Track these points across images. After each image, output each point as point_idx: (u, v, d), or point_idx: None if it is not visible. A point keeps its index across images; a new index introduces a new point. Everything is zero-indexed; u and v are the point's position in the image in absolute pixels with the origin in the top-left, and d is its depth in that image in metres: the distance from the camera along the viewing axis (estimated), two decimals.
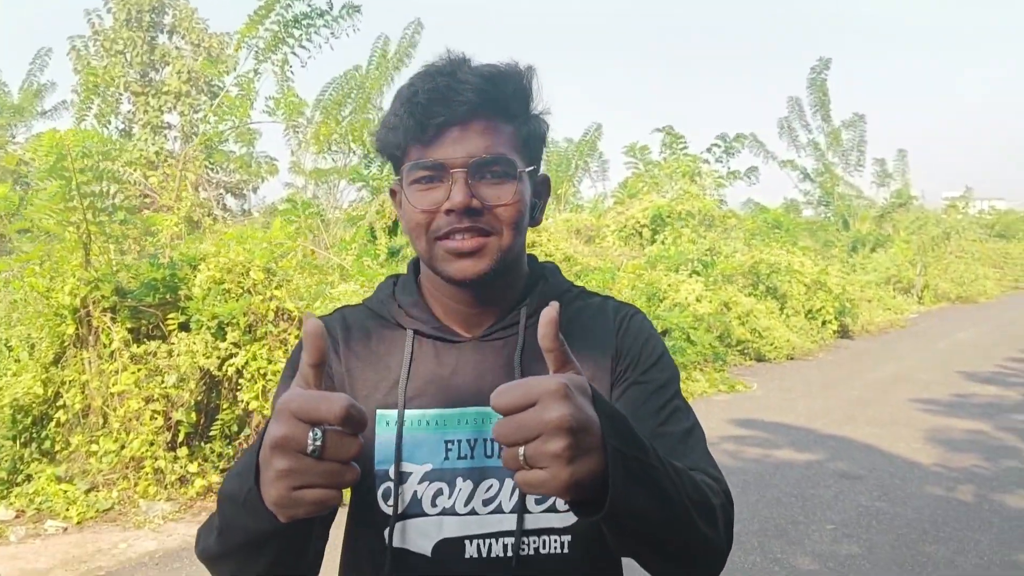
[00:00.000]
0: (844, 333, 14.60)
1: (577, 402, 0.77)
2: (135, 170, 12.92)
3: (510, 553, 1.08)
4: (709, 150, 17.19)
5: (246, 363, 5.71)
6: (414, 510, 1.09)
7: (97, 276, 5.72)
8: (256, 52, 10.59)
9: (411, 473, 1.10)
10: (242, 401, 5.73)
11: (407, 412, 1.11)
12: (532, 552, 1.09)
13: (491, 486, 1.10)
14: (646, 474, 0.84)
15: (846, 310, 14.52)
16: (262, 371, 5.70)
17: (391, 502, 1.09)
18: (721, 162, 17.30)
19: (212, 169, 14.98)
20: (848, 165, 27.02)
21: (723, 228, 15.33)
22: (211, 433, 5.92)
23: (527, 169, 1.11)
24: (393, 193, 1.19)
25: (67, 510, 5.36)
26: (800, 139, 27.01)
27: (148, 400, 5.71)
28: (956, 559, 4.64)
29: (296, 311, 5.75)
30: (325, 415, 0.74)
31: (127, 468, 5.69)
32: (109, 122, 15.68)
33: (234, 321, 5.69)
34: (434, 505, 1.09)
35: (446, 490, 1.09)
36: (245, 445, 6.01)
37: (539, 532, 1.09)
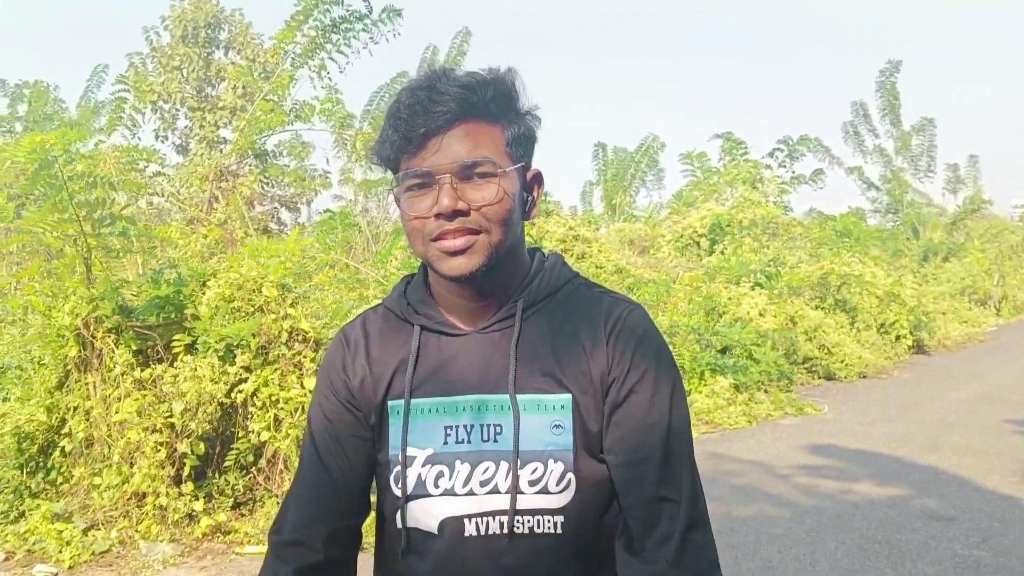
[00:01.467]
0: (920, 349, 13.61)
1: None
2: (191, 185, 12.64)
3: (506, 530, 1.16)
4: (771, 154, 16.32)
5: (257, 389, 5.16)
6: (419, 491, 1.19)
7: (98, 294, 5.23)
8: (293, 59, 10.17)
9: (415, 457, 1.19)
10: (253, 432, 5.18)
11: (412, 401, 1.20)
12: (527, 531, 1.16)
13: (487, 468, 1.17)
14: None
15: (922, 324, 13.53)
16: (274, 398, 5.14)
17: (401, 485, 1.19)
18: (784, 167, 16.41)
19: (267, 183, 14.69)
20: (918, 171, 25.86)
21: (787, 237, 14.46)
22: (224, 465, 5.39)
23: (514, 167, 1.18)
24: (398, 200, 1.23)
25: (60, 552, 4.85)
26: (866, 144, 25.92)
27: (152, 430, 5.20)
28: None
29: (311, 331, 5.18)
30: None
31: (128, 504, 5.19)
32: (166, 137, 15.53)
33: (244, 343, 5.15)
34: (436, 486, 1.18)
35: (447, 472, 1.18)
36: (259, 478, 5.47)
37: (533, 512, 1.16)
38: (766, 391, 9.41)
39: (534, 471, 1.16)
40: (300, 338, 5.24)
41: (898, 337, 13.00)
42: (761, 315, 10.58)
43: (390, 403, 1.24)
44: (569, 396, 1.17)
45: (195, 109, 15.97)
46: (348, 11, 9.88)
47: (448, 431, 1.19)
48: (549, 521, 1.17)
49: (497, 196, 1.15)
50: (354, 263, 8.88)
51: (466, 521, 1.17)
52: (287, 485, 5.36)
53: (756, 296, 10.92)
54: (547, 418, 1.17)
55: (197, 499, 5.23)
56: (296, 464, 5.33)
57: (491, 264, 1.16)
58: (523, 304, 1.22)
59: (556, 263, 1.29)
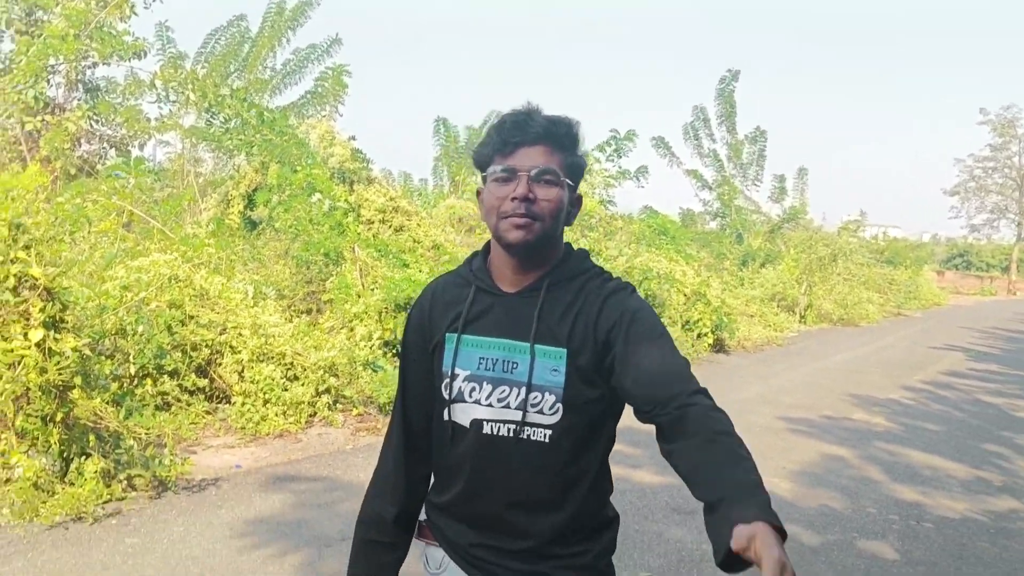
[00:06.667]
0: (720, 347, 14.20)
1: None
2: (10, 116, 11.57)
3: (510, 434, 1.67)
4: (601, 148, 16.54)
5: None
6: (459, 398, 1.71)
7: None
8: None
9: (459, 374, 1.70)
10: None
11: (463, 336, 1.71)
12: (525, 437, 1.66)
13: (504, 390, 1.67)
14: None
15: (723, 324, 14.10)
16: None
17: (448, 391, 1.71)
18: (612, 161, 16.68)
19: (96, 120, 13.61)
20: (746, 179, 27.03)
21: (606, 231, 14.72)
22: None
23: (568, 182, 1.67)
24: (479, 193, 1.75)
25: None
26: (704, 147, 26.87)
27: None
28: None
29: (43, 279, 4.74)
30: None
31: None
32: None
33: None
34: (470, 396, 1.69)
35: (477, 388, 1.69)
36: None
37: (531, 425, 1.66)
38: None
39: (535, 397, 1.65)
40: (29, 285, 4.78)
41: (700, 335, 13.49)
42: None
43: (447, 335, 1.73)
44: (564, 350, 1.64)
45: (22, 33, 14.67)
46: None
47: (481, 360, 1.69)
48: (541, 432, 1.66)
49: (556, 197, 1.65)
50: (140, 212, 8.31)
51: (485, 423, 1.68)
52: (2, 445, 4.92)
53: None
54: (549, 363, 1.65)
55: None
56: (13, 419, 4.90)
57: (539, 243, 1.65)
58: (548, 281, 1.70)
59: (579, 255, 1.78)
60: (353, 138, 11.87)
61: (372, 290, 9.47)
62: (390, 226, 11.83)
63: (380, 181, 12.57)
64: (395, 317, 9.01)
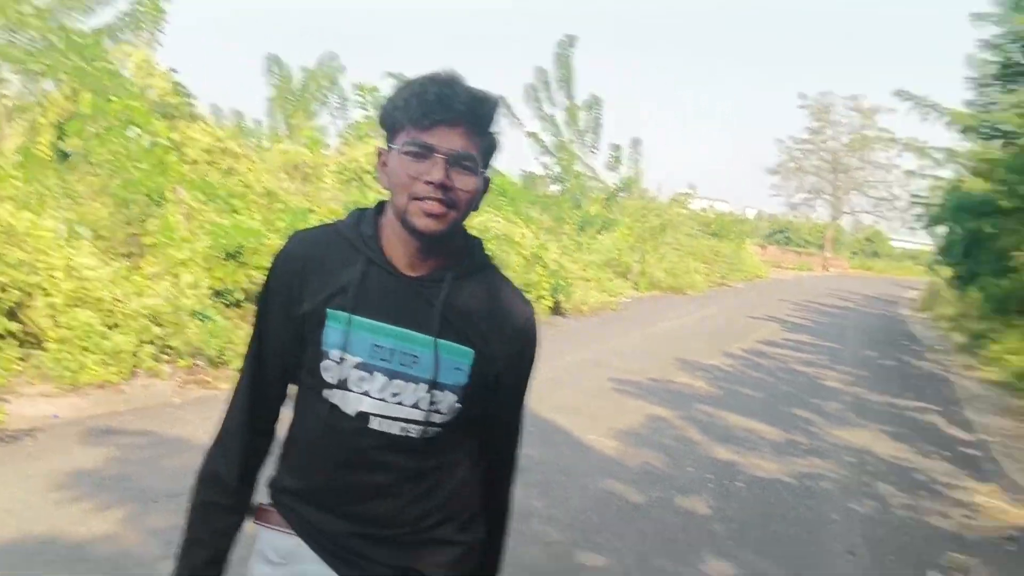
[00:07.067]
0: (557, 310, 14.49)
1: None
2: None
3: (400, 433, 1.55)
4: None
5: None
6: (343, 385, 1.54)
7: None
8: None
9: (347, 360, 1.53)
10: None
11: (354, 316, 1.53)
12: (416, 435, 1.55)
13: (398, 384, 1.53)
14: None
15: (560, 287, 14.38)
16: None
17: (331, 375, 1.54)
18: None
19: None
20: (584, 146, 27.55)
21: None
22: None
23: (483, 170, 1.54)
24: (380, 153, 1.59)
25: None
26: (544, 111, 27.14)
27: None
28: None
29: None
30: None
31: None
32: None
33: None
34: (358, 386, 1.53)
35: (367, 378, 1.53)
36: None
37: (426, 424, 1.55)
38: None
39: (435, 396, 1.54)
40: None
41: (539, 297, 13.70)
42: None
43: (330, 310, 1.54)
44: (472, 351, 1.56)
45: None
46: None
47: (376, 348, 1.53)
48: (433, 431, 1.56)
49: (473, 186, 1.51)
50: None
51: (371, 417, 1.53)
52: None
53: None
54: (453, 361, 1.55)
55: None
56: None
57: (448, 233, 1.52)
58: (452, 274, 1.56)
59: (479, 246, 1.66)
60: (174, 70, 11.15)
61: (199, 235, 8.98)
62: (218, 168, 11.23)
63: (205, 119, 11.89)
64: (224, 265, 8.60)
